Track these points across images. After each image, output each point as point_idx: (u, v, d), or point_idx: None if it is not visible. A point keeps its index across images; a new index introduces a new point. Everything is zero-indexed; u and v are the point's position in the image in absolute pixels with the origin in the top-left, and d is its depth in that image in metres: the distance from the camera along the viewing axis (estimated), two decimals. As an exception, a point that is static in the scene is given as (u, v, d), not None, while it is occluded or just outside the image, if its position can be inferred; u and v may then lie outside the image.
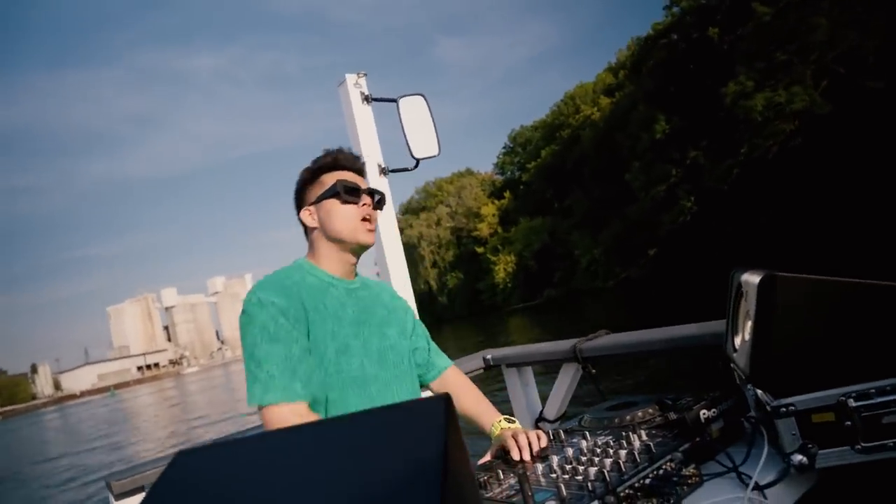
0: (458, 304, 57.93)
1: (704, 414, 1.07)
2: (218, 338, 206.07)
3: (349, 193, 1.33)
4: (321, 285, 1.32)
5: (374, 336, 1.33)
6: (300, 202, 1.40)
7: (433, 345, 1.51)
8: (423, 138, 2.27)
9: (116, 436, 21.51)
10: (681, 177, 26.54)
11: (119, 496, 1.67)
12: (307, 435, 0.63)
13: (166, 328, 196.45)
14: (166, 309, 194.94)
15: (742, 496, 0.90)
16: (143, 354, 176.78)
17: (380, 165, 2.25)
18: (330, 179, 1.36)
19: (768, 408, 0.95)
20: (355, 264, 1.40)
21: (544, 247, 42.22)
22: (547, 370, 2.41)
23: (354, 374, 1.25)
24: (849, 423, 0.90)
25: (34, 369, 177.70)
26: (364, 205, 1.35)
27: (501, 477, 1.03)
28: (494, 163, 58.51)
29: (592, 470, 0.91)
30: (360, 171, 1.42)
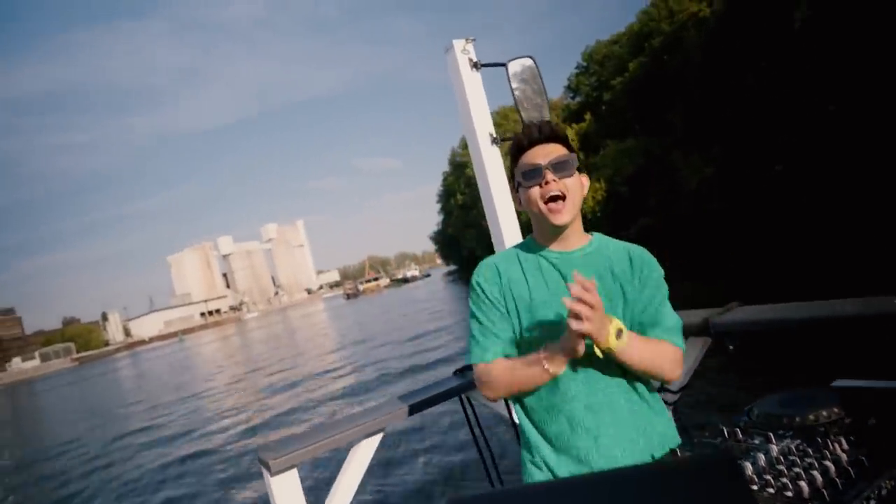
0: None
1: (911, 421, 1.04)
2: (274, 283, 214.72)
3: (528, 178, 1.40)
4: (533, 258, 1.45)
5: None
6: (513, 189, 1.53)
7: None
8: (532, 102, 2.23)
9: (210, 379, 23.05)
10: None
11: (275, 473, 1.81)
12: (581, 490, 0.65)
13: (224, 275, 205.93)
14: (223, 256, 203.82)
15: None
16: (205, 301, 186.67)
17: (491, 134, 2.22)
18: (521, 164, 1.44)
19: None
20: (570, 231, 1.45)
21: (639, 170, 37.45)
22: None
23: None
24: None
25: (105, 317, 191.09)
26: (546, 183, 1.38)
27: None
28: (566, 85, 51.65)
29: (804, 486, 0.91)
30: (549, 139, 1.45)
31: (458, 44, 2.21)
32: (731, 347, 1.90)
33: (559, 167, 1.40)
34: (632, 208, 38.52)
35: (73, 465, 11.62)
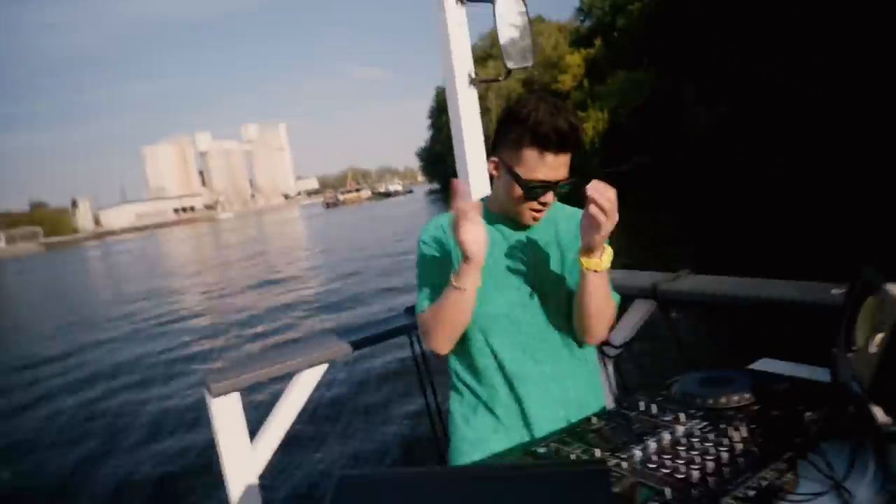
0: None
1: (808, 416, 1.10)
2: (251, 186, 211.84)
3: (533, 191, 1.36)
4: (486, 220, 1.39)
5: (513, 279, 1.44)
6: (493, 150, 1.43)
7: None
8: (517, 45, 2.15)
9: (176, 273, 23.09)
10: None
11: (216, 395, 1.87)
12: (464, 479, 0.69)
13: (201, 173, 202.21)
14: (201, 154, 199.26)
15: (841, 515, 0.95)
16: (179, 197, 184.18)
17: (470, 75, 2.16)
18: (528, 158, 1.33)
19: (883, 428, 0.97)
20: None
21: (645, 104, 35.57)
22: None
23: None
24: (969, 458, 0.92)
25: (74, 204, 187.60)
26: (545, 204, 1.38)
27: (598, 456, 1.10)
28: (577, 7, 49.43)
29: (694, 471, 0.97)
30: (570, 148, 1.35)
31: (442, -26, 2.10)
32: (673, 315, 1.97)
33: (563, 187, 1.39)
34: (631, 143, 36.60)
35: (34, 356, 11.79)
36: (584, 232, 1.29)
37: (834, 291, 1.55)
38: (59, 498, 4.88)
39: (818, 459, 1.07)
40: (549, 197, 1.37)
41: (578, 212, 1.54)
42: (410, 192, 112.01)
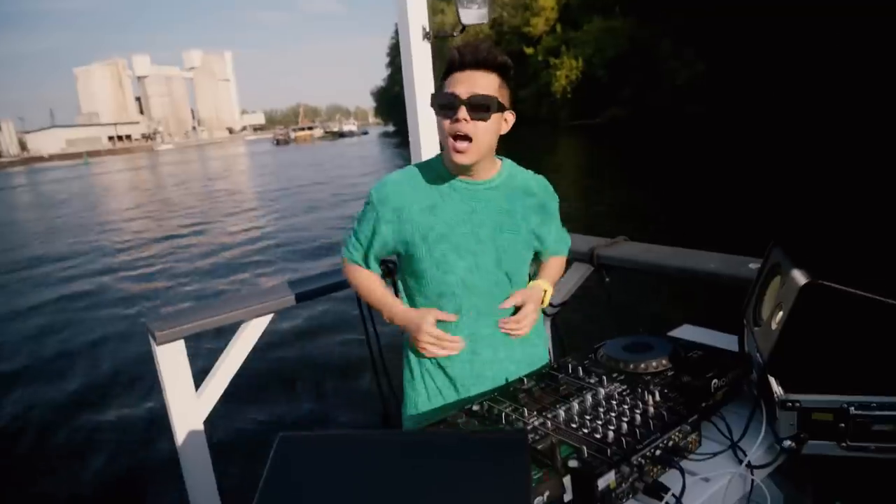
0: None
1: (715, 383, 1.24)
2: (193, 117, 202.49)
3: (442, 108, 1.39)
4: (441, 183, 1.51)
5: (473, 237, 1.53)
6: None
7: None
8: (473, 1, 2.15)
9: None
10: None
11: (161, 343, 1.89)
12: (395, 443, 0.77)
13: (138, 99, 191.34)
14: (139, 79, 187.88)
15: (734, 471, 1.10)
16: (115, 125, 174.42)
17: (424, 28, 2.16)
18: (444, 85, 1.41)
19: (776, 397, 1.11)
20: (478, 167, 1.49)
21: (621, 55, 34.77)
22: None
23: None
24: (842, 424, 1.07)
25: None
26: (457, 120, 1.36)
27: (526, 415, 1.21)
28: None
29: (610, 432, 1.09)
30: (483, 65, 1.38)
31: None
32: (607, 279, 2.09)
33: (476, 107, 1.38)
34: (605, 95, 35.89)
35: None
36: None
37: (752, 266, 1.70)
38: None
39: (720, 422, 1.22)
40: (462, 112, 1.35)
41: (536, 177, 1.62)
42: (365, 133, 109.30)
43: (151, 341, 1.98)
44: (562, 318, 2.50)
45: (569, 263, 2.34)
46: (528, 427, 1.16)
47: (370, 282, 1.61)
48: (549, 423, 1.15)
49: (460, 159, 1.40)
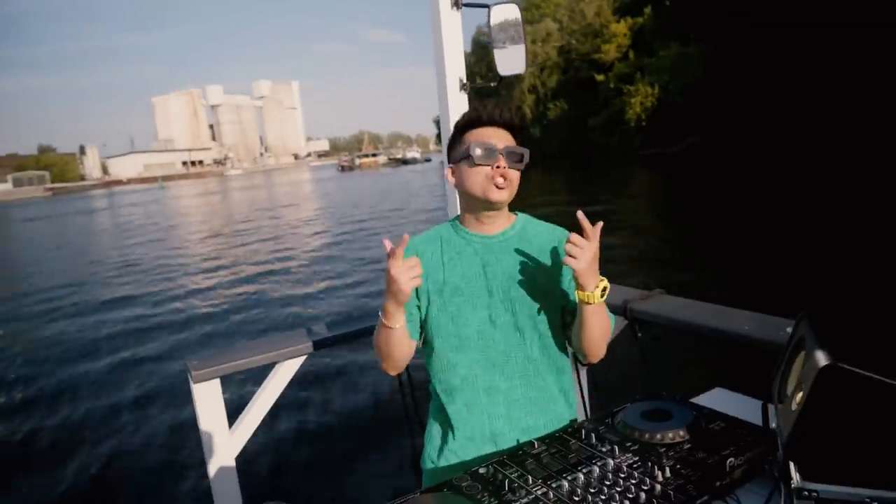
0: (555, 139, 49.81)
1: (731, 462, 1.19)
2: (261, 143, 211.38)
3: (483, 157, 1.45)
4: (456, 240, 1.54)
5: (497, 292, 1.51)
6: (448, 160, 1.59)
7: None
8: (510, 52, 2.20)
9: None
10: None
11: (197, 382, 1.99)
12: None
13: (211, 127, 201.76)
14: (212, 107, 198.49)
15: (744, 561, 1.04)
16: (188, 150, 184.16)
17: (461, 80, 2.22)
18: (469, 139, 1.48)
19: (793, 484, 1.06)
20: (496, 216, 1.54)
21: (698, 81, 33.67)
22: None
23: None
24: (864, 519, 1.00)
25: (82, 150, 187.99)
26: (498, 167, 1.45)
27: (530, 483, 1.19)
28: None
29: (614, 509, 1.06)
30: (507, 125, 1.52)
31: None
32: (638, 335, 2.05)
33: (513, 157, 1.48)
34: (682, 123, 34.51)
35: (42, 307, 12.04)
36: (567, 260, 1.39)
37: (789, 330, 1.62)
38: (36, 462, 5.04)
39: (734, 503, 1.16)
40: (501, 161, 1.45)
41: (555, 229, 1.62)
42: (428, 160, 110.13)
43: (189, 378, 2.07)
44: (599, 371, 2.45)
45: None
46: (530, 497, 1.14)
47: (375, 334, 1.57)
48: (551, 494, 1.13)
49: (500, 196, 1.47)
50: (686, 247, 12.12)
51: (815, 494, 1.03)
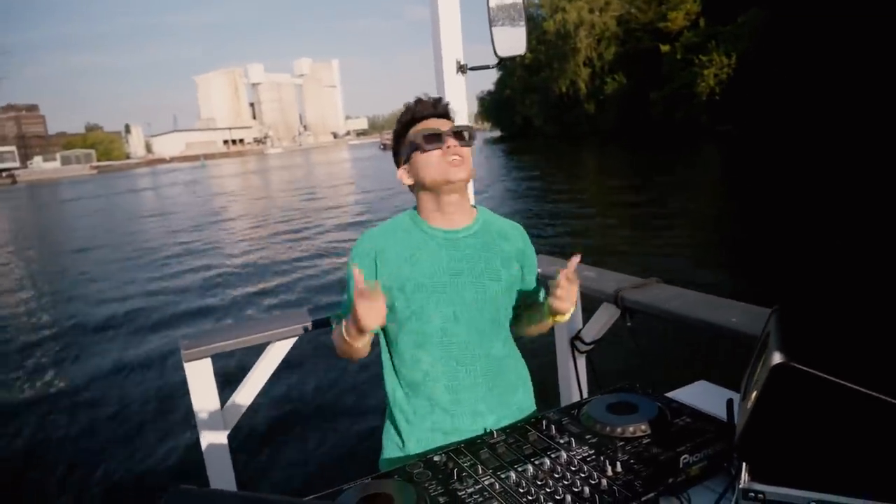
0: (610, 116, 47.02)
1: (685, 459, 1.16)
2: (301, 122, 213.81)
3: (430, 142, 1.46)
4: (418, 234, 1.53)
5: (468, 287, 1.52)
6: (397, 164, 1.56)
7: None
8: (509, 32, 2.16)
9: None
10: None
11: (189, 360, 2.05)
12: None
13: (252, 105, 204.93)
14: (252, 85, 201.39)
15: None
16: (229, 129, 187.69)
17: (458, 62, 2.19)
18: (413, 133, 1.49)
19: (741, 485, 1.03)
20: (457, 206, 1.53)
21: (745, 55, 31.21)
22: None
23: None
24: (809, 523, 0.98)
25: (128, 129, 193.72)
26: (448, 147, 1.46)
27: (479, 472, 1.20)
28: None
29: (569, 499, 1.05)
30: (444, 114, 1.54)
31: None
32: (629, 324, 2.01)
33: (460, 136, 1.49)
34: (759, 97, 31.13)
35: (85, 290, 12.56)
36: (553, 301, 1.46)
37: None
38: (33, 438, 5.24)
39: (686, 501, 1.14)
40: (450, 141, 1.46)
41: (513, 224, 1.62)
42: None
43: (183, 357, 2.13)
44: (596, 356, 2.43)
45: (597, 303, 2.28)
46: (477, 487, 1.15)
47: (336, 331, 1.56)
48: (497, 486, 1.13)
49: (459, 173, 1.46)
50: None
51: (762, 496, 1.01)
